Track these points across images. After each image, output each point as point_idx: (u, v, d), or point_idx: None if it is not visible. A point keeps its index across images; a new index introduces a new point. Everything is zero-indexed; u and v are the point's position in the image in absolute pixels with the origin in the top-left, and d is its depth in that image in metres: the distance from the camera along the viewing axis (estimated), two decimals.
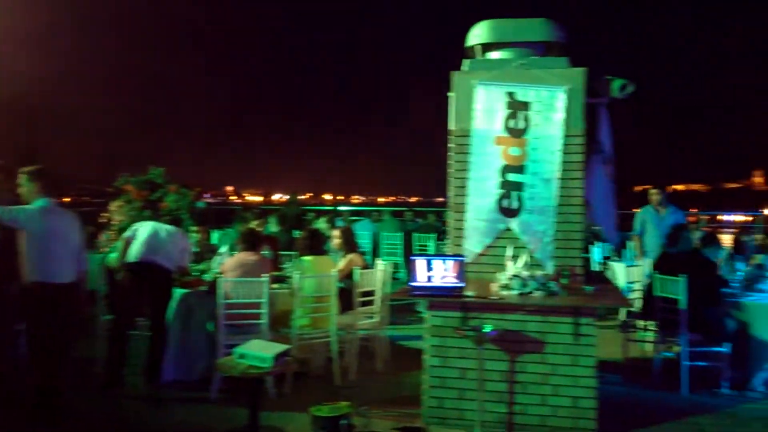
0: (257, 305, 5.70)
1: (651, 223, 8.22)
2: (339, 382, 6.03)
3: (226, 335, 5.63)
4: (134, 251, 5.92)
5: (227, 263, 6.18)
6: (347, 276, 6.50)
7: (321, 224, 10.39)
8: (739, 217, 28.58)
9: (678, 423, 5.12)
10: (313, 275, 6.11)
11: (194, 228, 8.01)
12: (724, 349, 5.82)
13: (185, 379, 5.99)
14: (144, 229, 6.06)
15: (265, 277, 5.75)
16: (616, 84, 5.36)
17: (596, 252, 9.89)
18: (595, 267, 9.55)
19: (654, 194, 8.24)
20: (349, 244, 6.88)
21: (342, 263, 6.65)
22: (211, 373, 5.59)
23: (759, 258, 6.84)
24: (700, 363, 5.89)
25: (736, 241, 7.34)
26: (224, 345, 5.55)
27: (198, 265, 7.19)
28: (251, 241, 6.26)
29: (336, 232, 7.15)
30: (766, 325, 5.83)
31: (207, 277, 6.63)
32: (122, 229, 6.65)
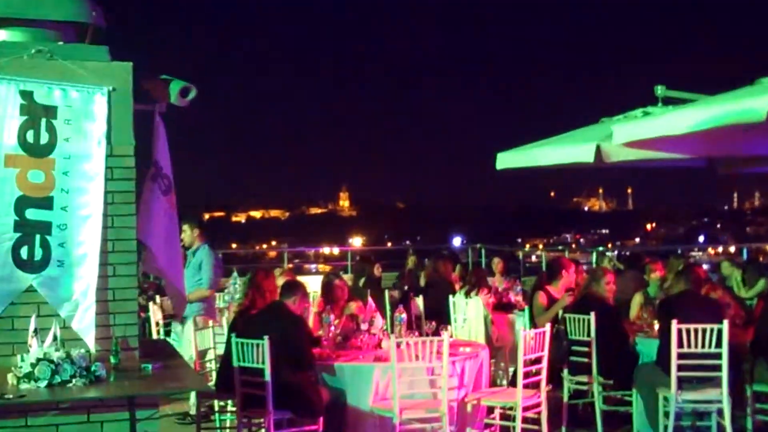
0: None
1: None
2: None
3: None
4: None
5: None
6: None
7: None
8: (326, 249, 30.28)
9: None
10: None
11: None
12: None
13: None
14: None
15: None
16: (176, 87, 4.13)
17: (157, 313, 8.06)
18: (156, 333, 7.67)
19: (185, 230, 6.87)
20: None
21: None
22: None
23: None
24: None
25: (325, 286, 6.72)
26: None
27: None
28: None
29: None
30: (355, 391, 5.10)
31: None
32: None
